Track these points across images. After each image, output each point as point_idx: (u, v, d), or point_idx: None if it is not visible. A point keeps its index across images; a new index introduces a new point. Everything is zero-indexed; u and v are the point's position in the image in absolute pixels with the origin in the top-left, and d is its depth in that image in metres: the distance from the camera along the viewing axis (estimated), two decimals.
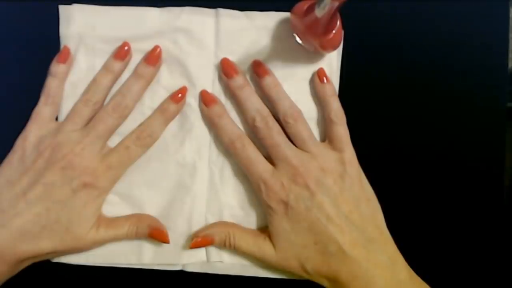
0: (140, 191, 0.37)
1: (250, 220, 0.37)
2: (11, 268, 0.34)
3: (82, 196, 0.34)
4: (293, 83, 0.37)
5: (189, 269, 0.37)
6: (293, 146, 0.36)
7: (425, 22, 0.39)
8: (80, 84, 0.37)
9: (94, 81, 0.37)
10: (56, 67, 0.36)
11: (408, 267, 0.34)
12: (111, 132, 0.36)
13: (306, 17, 0.33)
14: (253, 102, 0.36)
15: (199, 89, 0.37)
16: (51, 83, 0.36)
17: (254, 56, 0.37)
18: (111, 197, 0.37)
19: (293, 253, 0.34)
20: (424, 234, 0.38)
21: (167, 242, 0.35)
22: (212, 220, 0.37)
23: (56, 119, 0.37)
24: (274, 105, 0.36)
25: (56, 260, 0.37)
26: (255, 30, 0.37)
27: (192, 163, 0.37)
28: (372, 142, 0.38)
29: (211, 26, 0.37)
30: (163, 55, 0.37)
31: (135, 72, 0.37)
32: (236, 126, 0.37)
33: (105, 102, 0.37)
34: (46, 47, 0.37)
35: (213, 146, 0.38)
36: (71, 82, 0.37)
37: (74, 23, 0.37)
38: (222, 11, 0.37)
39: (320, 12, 0.30)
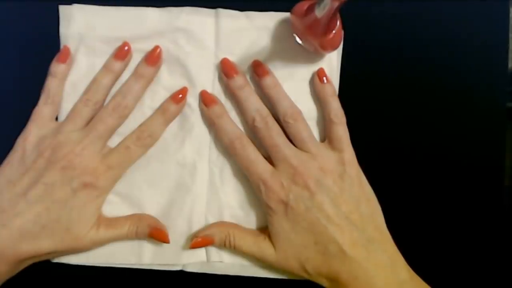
0: (140, 191, 0.37)
1: (250, 220, 0.37)
2: (11, 268, 0.34)
3: (82, 196, 0.34)
4: (293, 83, 0.37)
5: (189, 269, 0.37)
6: (293, 146, 0.36)
7: (425, 22, 0.39)
8: (80, 84, 0.37)
9: (94, 81, 0.37)
10: (56, 67, 0.36)
11: (408, 267, 0.34)
12: (111, 132, 0.36)
13: (306, 17, 0.33)
14: (253, 102, 0.36)
15: (199, 89, 0.37)
16: (51, 83, 0.36)
17: (254, 56, 0.37)
18: (111, 197, 0.37)
19: (293, 253, 0.34)
20: (424, 234, 0.38)
21: (167, 242, 0.35)
22: (212, 220, 0.37)
23: (56, 119, 0.37)
24: (274, 105, 0.36)
25: (56, 260, 0.37)
26: (255, 30, 0.37)
27: (192, 163, 0.37)
28: (372, 142, 0.38)
29: (211, 26, 0.37)
30: (163, 55, 0.37)
31: (135, 72, 0.37)
32: (236, 126, 0.37)
33: (106, 102, 0.37)
34: (46, 47, 0.37)
35: (213, 146, 0.38)
36: (71, 82, 0.37)
37: (74, 23, 0.37)
38: (222, 11, 0.37)
39: (320, 12, 0.30)
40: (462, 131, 0.39)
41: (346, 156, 0.35)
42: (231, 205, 0.38)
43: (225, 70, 0.37)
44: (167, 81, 0.37)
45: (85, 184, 0.34)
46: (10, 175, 0.35)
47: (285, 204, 0.34)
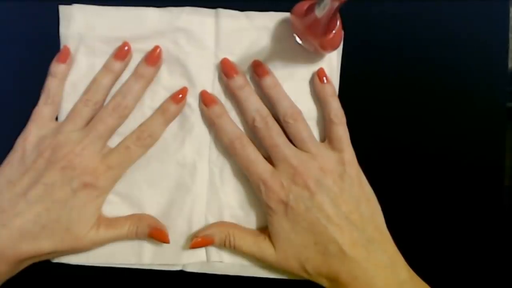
0: (140, 191, 0.37)
1: (250, 220, 0.37)
2: (11, 268, 0.34)
3: (82, 196, 0.34)
4: (293, 83, 0.37)
5: (189, 269, 0.37)
6: (293, 146, 0.36)
7: (425, 22, 0.39)
8: (80, 84, 0.37)
9: (94, 81, 0.37)
10: (56, 67, 0.36)
11: (408, 267, 0.34)
12: (111, 132, 0.36)
13: (306, 17, 0.33)
14: (253, 102, 0.36)
15: (199, 89, 0.37)
16: (51, 83, 0.36)
17: (254, 56, 0.37)
18: (111, 197, 0.37)
19: (293, 253, 0.34)
20: (424, 234, 0.38)
21: (167, 242, 0.35)
22: (212, 220, 0.37)
23: (56, 119, 0.37)
24: (274, 105, 0.36)
25: (56, 260, 0.37)
26: (255, 30, 0.37)
27: (192, 163, 0.37)
28: (372, 142, 0.38)
29: (211, 26, 0.37)
30: (163, 55, 0.37)
31: (135, 72, 0.37)
32: (235, 126, 0.37)
33: (106, 102, 0.37)
34: (46, 47, 0.37)
35: (213, 146, 0.38)
36: (71, 82, 0.37)
37: (74, 23, 0.37)
38: (222, 11, 0.37)
39: (320, 12, 0.30)
40: (462, 131, 0.39)
41: (346, 156, 0.35)
42: (231, 205, 0.38)
43: (225, 70, 0.37)
44: (167, 81, 0.37)
45: (85, 184, 0.34)
46: (10, 175, 0.35)
47: (285, 204, 0.34)
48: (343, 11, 0.32)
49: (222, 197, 0.37)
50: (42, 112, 0.36)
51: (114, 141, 0.37)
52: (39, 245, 0.33)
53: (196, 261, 0.37)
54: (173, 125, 0.38)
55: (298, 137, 0.36)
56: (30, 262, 0.35)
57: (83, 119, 0.36)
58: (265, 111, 0.36)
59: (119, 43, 0.37)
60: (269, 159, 0.36)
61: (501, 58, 0.39)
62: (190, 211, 0.37)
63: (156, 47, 0.37)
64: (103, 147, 0.36)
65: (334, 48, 0.35)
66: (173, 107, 0.37)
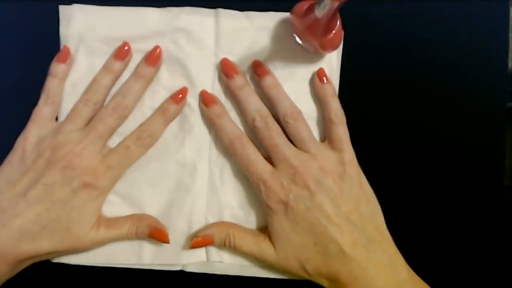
0: (140, 191, 0.37)
1: (250, 220, 0.37)
2: (11, 268, 0.34)
3: (82, 196, 0.34)
4: (293, 83, 0.37)
5: (189, 269, 0.37)
6: (293, 146, 0.36)
7: (425, 22, 0.39)
8: (80, 84, 0.37)
9: (94, 81, 0.37)
10: (56, 67, 0.36)
11: (408, 267, 0.34)
12: (111, 132, 0.36)
13: (306, 17, 0.33)
14: (253, 102, 0.36)
15: (199, 89, 0.37)
16: (51, 83, 0.36)
17: (254, 56, 0.37)
18: (111, 197, 0.37)
19: (293, 253, 0.34)
20: (424, 234, 0.38)
21: (167, 242, 0.35)
22: (212, 220, 0.37)
23: (56, 119, 0.37)
24: (274, 105, 0.36)
25: (56, 260, 0.37)
26: (255, 30, 0.37)
27: (192, 163, 0.37)
28: (372, 142, 0.38)
29: (211, 26, 0.37)
30: (163, 55, 0.37)
31: (135, 72, 0.37)
32: (235, 126, 0.37)
33: (106, 102, 0.37)
34: (46, 47, 0.37)
35: (213, 146, 0.38)
36: (71, 82, 0.37)
37: (74, 23, 0.37)
38: (222, 11, 0.37)
39: (320, 12, 0.30)
40: (462, 131, 0.39)
41: (346, 156, 0.35)
42: (231, 205, 0.38)
43: (225, 70, 0.37)
44: (167, 81, 0.38)
45: (85, 184, 0.34)
46: (10, 175, 0.35)
47: (285, 204, 0.34)
48: (343, 11, 0.32)
49: (222, 197, 0.37)
50: (42, 112, 0.36)
51: (114, 141, 0.37)
52: (39, 245, 0.33)
53: (196, 261, 0.37)
54: (173, 125, 0.38)
55: (298, 137, 0.36)
56: (30, 262, 0.35)
57: (83, 119, 0.36)
58: (265, 111, 0.36)
59: (119, 43, 0.37)
60: (269, 159, 0.36)
61: (501, 58, 0.39)
62: (190, 211, 0.37)
63: (156, 47, 0.37)
64: (103, 147, 0.36)
65: (334, 48, 0.35)
66: (173, 107, 0.37)
